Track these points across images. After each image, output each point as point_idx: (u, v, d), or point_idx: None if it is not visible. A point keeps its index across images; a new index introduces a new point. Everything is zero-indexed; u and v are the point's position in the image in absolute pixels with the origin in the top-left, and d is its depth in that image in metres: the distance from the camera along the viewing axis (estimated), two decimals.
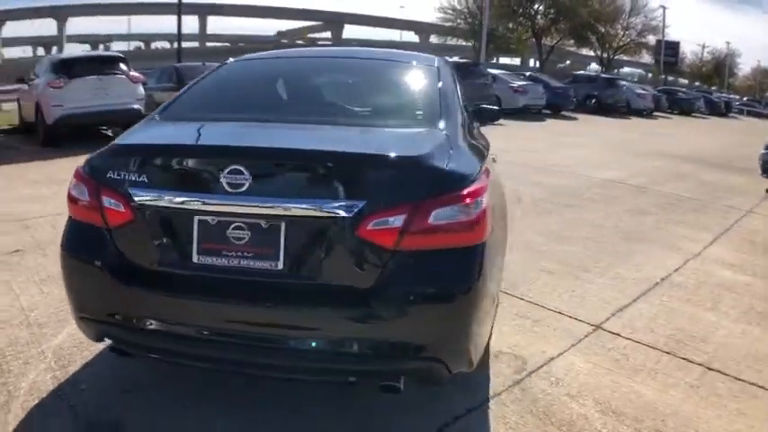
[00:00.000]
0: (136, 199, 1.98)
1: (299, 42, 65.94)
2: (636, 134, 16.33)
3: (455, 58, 18.36)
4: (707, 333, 3.27)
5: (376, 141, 2.18)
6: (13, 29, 66.97)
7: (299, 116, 2.48)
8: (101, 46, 71.96)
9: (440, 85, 2.68)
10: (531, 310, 3.44)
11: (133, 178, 2.01)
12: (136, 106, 9.85)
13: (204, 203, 1.93)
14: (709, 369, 2.83)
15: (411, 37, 73.70)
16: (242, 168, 1.88)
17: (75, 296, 2.18)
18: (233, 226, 1.92)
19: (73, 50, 65.08)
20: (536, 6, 34.16)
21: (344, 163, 1.92)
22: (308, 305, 1.89)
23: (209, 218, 1.94)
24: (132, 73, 10.53)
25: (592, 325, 3.28)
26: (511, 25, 33.79)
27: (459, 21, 33.63)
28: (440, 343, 1.90)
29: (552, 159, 9.80)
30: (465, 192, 1.90)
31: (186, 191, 1.96)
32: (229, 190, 1.89)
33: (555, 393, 2.54)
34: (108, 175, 2.06)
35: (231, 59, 3.21)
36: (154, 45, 71.00)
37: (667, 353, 2.99)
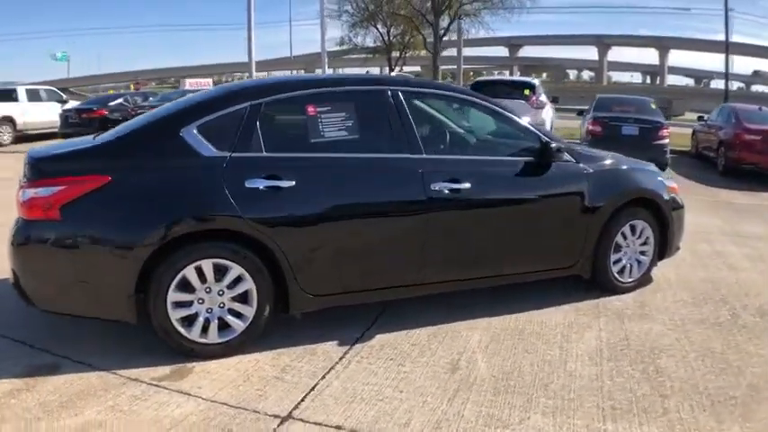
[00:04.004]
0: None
1: None
2: None
3: None
4: None
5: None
6: (618, 54, 73.97)
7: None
8: (702, 81, 71.20)
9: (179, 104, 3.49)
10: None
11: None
12: None
13: None
14: None
15: None
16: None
17: None
18: None
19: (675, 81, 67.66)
20: None
21: None
22: None
23: None
24: (536, 98, 11.71)
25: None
26: None
27: None
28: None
29: None
30: (38, 181, 2.90)
31: None
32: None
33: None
34: None
35: None
36: (754, 87, 65.79)
37: None
